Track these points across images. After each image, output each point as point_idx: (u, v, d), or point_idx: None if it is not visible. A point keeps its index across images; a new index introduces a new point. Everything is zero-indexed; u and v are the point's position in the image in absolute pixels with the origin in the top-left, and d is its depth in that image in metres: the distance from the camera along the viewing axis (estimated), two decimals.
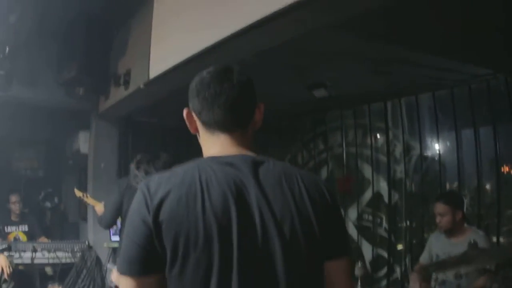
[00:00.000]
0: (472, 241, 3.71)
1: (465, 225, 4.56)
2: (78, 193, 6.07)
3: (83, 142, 7.55)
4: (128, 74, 5.95)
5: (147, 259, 1.55)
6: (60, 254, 6.37)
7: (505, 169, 5.47)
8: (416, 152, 6.15)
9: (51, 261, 6.36)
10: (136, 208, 1.62)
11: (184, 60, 4.56)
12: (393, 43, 4.37)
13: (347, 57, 4.79)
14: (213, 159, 1.69)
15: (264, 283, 1.58)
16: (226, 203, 1.57)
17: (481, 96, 5.42)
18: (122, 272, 1.57)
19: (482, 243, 3.95)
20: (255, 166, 1.67)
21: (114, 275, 3.56)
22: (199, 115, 1.77)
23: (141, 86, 5.39)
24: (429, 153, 6.07)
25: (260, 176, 1.65)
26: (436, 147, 5.92)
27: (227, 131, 1.74)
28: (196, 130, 1.83)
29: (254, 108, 1.79)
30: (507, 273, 3.76)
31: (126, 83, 5.93)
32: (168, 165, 3.38)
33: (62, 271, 6.45)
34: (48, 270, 6.83)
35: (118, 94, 6.32)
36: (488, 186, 5.62)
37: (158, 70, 5.05)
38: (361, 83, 5.60)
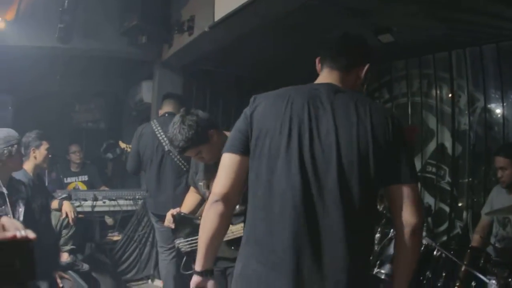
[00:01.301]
0: None
1: None
2: (122, 145, 6.18)
3: (146, 92, 7.59)
4: (192, 20, 5.94)
5: (241, 142, 2.22)
6: (121, 202, 6.43)
7: None
8: (480, 104, 5.97)
9: (111, 209, 6.40)
10: (244, 110, 2.29)
11: (248, 1, 4.50)
12: None
13: (412, 1, 4.65)
14: (308, 84, 2.29)
15: (317, 181, 2.04)
16: (303, 110, 2.13)
17: None
18: (224, 150, 2.28)
19: None
20: (335, 92, 2.20)
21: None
22: (320, 60, 2.42)
23: (206, 29, 5.36)
24: (493, 106, 5.88)
25: (335, 97, 2.17)
26: (500, 100, 5.73)
27: (330, 69, 2.35)
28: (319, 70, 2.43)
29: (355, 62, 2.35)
30: None
31: (190, 29, 5.93)
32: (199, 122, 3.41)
33: (123, 219, 6.53)
34: (109, 220, 6.96)
35: (181, 41, 6.30)
36: None
37: (224, 12, 5.00)
38: (426, 30, 5.46)
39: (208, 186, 3.54)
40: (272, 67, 6.89)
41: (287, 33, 5.47)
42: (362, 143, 2.05)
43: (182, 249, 3.63)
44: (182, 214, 3.65)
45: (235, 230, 3.26)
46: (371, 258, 2.13)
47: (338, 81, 2.29)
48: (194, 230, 3.48)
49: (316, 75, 2.40)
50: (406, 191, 2.07)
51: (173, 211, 3.63)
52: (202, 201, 3.76)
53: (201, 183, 3.63)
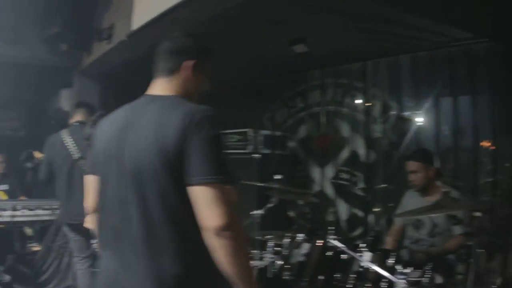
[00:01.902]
0: (445, 190, 3.75)
1: (439, 183, 4.62)
2: (38, 155, 6.09)
3: (65, 100, 7.52)
4: (111, 28, 5.94)
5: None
6: (39, 212, 6.32)
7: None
8: (394, 112, 6.21)
9: (30, 219, 6.29)
10: None
11: (166, 11, 4.58)
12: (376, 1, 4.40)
13: (327, 12, 4.78)
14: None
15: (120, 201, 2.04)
16: (114, 130, 2.13)
17: (461, 60, 5.47)
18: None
19: (454, 195, 4.02)
20: (147, 102, 2.14)
21: None
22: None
23: (124, 38, 5.38)
24: (407, 114, 6.12)
25: (139, 110, 2.11)
26: (414, 108, 5.97)
27: (155, 78, 2.27)
28: None
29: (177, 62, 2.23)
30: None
31: (109, 37, 5.92)
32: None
33: (42, 229, 6.43)
34: (28, 230, 6.83)
35: (101, 49, 6.30)
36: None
37: (141, 22, 5.06)
38: (341, 40, 5.62)
39: None
40: None
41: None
42: (146, 151, 1.96)
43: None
44: None
45: None
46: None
47: (161, 89, 2.21)
48: None
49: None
50: (198, 192, 1.90)
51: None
52: None
53: None
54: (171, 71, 2.21)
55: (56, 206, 6.39)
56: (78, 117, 5.45)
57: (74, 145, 5.09)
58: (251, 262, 2.17)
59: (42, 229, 6.42)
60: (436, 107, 5.71)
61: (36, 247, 6.66)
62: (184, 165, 1.91)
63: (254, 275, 2.07)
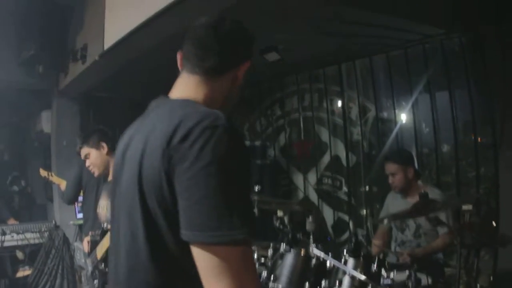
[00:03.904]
0: (423, 192, 3.74)
1: (420, 183, 4.61)
2: (43, 173, 6.10)
3: (46, 122, 7.52)
4: (85, 48, 5.97)
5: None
6: (28, 235, 6.35)
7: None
8: (372, 113, 6.21)
9: (20, 242, 6.34)
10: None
11: (136, 27, 4.59)
12: (343, 3, 4.39)
13: (297, 18, 4.77)
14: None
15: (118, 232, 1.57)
16: (122, 150, 1.64)
17: (436, 56, 5.46)
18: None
19: (433, 196, 4.00)
20: (157, 108, 1.64)
21: None
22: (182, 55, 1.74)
23: (96, 58, 5.38)
24: (385, 114, 6.12)
25: (148, 121, 1.57)
26: (392, 108, 5.96)
27: (187, 72, 1.69)
28: None
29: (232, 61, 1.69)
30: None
31: (83, 57, 5.93)
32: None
33: (32, 252, 6.44)
34: (19, 254, 6.82)
35: (76, 69, 6.32)
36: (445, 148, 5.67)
37: (112, 41, 5.08)
38: (314, 45, 5.62)
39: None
40: (165, 89, 6.94)
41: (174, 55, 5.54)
42: (131, 189, 1.46)
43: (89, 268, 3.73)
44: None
45: None
46: None
47: (196, 91, 1.62)
48: None
49: None
50: (201, 254, 1.28)
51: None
52: None
53: (99, 210, 3.87)
54: (223, 70, 1.65)
55: (44, 229, 6.42)
56: None
57: None
58: None
59: (33, 252, 6.43)
60: (414, 105, 5.70)
61: (27, 271, 6.67)
62: (172, 210, 1.34)
63: None
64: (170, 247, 1.37)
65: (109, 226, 3.44)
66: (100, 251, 3.54)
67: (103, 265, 3.60)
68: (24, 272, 6.74)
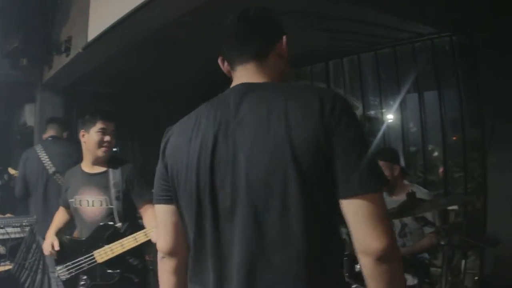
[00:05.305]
0: (411, 191, 3.69)
1: (406, 182, 4.57)
2: (11, 171, 6.08)
3: (29, 115, 7.48)
4: (69, 40, 5.90)
5: (165, 189, 1.78)
6: (9, 229, 6.27)
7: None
8: (359, 111, 6.15)
9: (1, 237, 6.26)
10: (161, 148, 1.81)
11: (119, 20, 4.53)
12: None
13: (285, 14, 4.70)
14: (219, 96, 1.74)
15: (231, 223, 1.57)
16: (207, 137, 1.62)
17: (425, 55, 5.43)
18: (153, 202, 1.87)
19: (420, 195, 3.95)
20: (245, 93, 1.65)
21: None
22: (224, 55, 1.82)
23: (80, 50, 5.34)
24: (372, 113, 6.08)
25: (245, 106, 1.61)
26: (379, 106, 5.93)
27: (243, 64, 1.75)
28: (229, 73, 1.84)
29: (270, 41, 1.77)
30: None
31: (67, 50, 5.88)
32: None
33: (12, 247, 6.35)
34: (1, 249, 6.74)
35: (60, 62, 6.25)
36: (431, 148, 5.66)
37: (96, 33, 5.03)
38: (302, 42, 5.52)
39: (80, 202, 3.57)
40: (153, 82, 6.94)
41: (159, 48, 5.55)
42: (279, 157, 1.49)
43: (62, 277, 3.58)
44: (71, 238, 3.68)
45: None
46: None
47: (255, 76, 1.71)
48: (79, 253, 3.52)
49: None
50: (357, 205, 1.48)
51: (53, 239, 3.63)
52: (72, 219, 3.78)
53: (71, 199, 3.62)
54: (267, 51, 1.74)
55: (25, 223, 6.33)
56: (50, 132, 5.65)
57: (48, 160, 5.26)
58: None
59: (13, 247, 6.34)
60: (402, 104, 5.66)
61: (8, 266, 6.59)
62: (325, 172, 1.48)
63: None
64: (323, 216, 1.52)
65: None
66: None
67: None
68: (5, 267, 6.66)
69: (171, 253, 1.83)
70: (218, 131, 1.60)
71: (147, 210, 3.53)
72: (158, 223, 1.87)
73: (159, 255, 1.87)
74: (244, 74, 1.73)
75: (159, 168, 1.81)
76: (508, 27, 4.39)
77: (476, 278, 4.76)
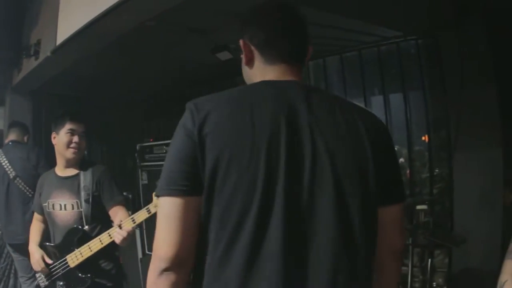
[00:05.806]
0: None
1: None
2: None
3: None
4: (38, 44, 5.90)
5: (189, 176, 1.43)
6: None
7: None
8: None
9: None
10: (182, 123, 1.48)
11: (87, 23, 4.52)
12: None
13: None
14: (266, 83, 1.61)
15: (310, 216, 1.45)
16: (277, 122, 1.46)
17: (391, 58, 5.49)
18: (162, 192, 1.45)
19: None
20: (309, 92, 1.59)
21: None
22: (259, 45, 1.67)
23: (49, 53, 5.31)
24: None
25: (313, 101, 1.55)
26: None
27: (288, 62, 1.67)
28: (250, 61, 1.71)
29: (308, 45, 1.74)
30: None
31: (37, 53, 5.87)
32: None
33: None
34: None
35: (29, 65, 6.24)
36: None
37: (64, 36, 5.01)
38: None
39: (53, 205, 3.55)
40: (120, 85, 7.03)
41: (126, 53, 5.57)
42: (361, 161, 1.52)
43: (41, 284, 3.60)
44: (46, 244, 3.64)
45: None
46: None
47: (297, 76, 1.68)
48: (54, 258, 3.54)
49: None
50: (397, 211, 1.64)
51: (40, 253, 3.60)
52: (47, 228, 3.73)
53: (45, 204, 3.60)
54: (305, 57, 1.74)
55: None
56: (11, 136, 5.55)
57: (9, 164, 5.22)
58: None
59: None
60: (368, 107, 5.71)
61: None
62: (383, 182, 1.54)
63: None
64: (373, 220, 1.56)
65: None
66: None
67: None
68: None
69: (181, 264, 1.45)
70: (289, 122, 1.47)
71: (117, 212, 3.48)
72: (162, 222, 1.46)
73: (158, 267, 1.45)
74: (289, 72, 1.65)
75: (182, 149, 1.46)
76: (473, 28, 4.49)
77: (445, 276, 4.82)
